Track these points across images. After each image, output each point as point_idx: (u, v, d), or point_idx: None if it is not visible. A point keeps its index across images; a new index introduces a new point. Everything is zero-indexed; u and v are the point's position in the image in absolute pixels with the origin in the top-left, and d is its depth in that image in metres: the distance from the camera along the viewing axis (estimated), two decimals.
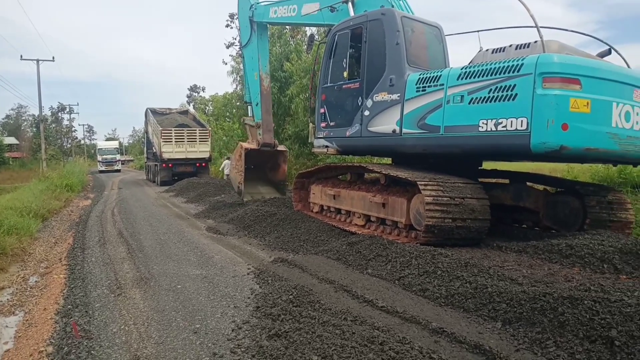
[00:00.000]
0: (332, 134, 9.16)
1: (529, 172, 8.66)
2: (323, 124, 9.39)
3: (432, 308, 4.68)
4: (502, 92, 6.14)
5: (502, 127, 6.10)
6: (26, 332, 4.74)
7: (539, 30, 6.46)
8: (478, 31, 7.72)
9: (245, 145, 12.27)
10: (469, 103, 6.52)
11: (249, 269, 6.59)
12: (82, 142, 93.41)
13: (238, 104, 26.43)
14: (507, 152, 6.59)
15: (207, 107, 46.44)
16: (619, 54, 7.26)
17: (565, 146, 5.72)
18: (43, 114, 40.31)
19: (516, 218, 8.30)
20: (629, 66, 7.02)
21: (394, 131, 7.63)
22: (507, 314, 4.27)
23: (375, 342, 3.73)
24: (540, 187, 8.08)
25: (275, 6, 10.88)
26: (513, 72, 6.04)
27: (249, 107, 12.56)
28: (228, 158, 25.84)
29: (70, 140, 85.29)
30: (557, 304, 4.07)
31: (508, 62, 6.19)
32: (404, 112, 7.44)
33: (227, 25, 38.20)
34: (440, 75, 6.97)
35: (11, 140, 67.86)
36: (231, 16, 37.55)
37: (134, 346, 4.07)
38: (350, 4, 9.01)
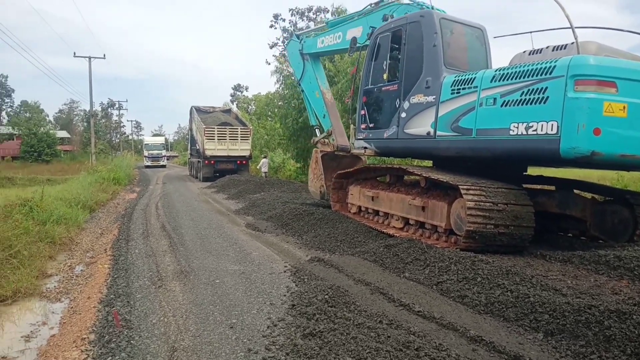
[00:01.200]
0: (370, 135, 9.20)
1: (576, 179, 8.38)
2: (363, 126, 9.44)
3: (470, 315, 4.57)
4: (534, 95, 5.97)
5: (533, 131, 5.94)
6: (70, 319, 4.94)
7: (573, 31, 6.18)
8: (530, 32, 7.39)
9: (321, 148, 12.01)
10: (502, 106, 6.38)
11: (285, 266, 6.63)
12: (130, 137, 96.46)
13: (280, 103, 26.66)
14: (537, 157, 6.36)
15: (250, 106, 47.15)
16: None
17: (597, 152, 5.49)
18: (94, 109, 41.87)
19: (562, 226, 7.95)
20: None
21: (428, 133, 7.60)
22: (549, 325, 4.13)
23: (410, 348, 3.68)
24: (588, 195, 7.77)
25: (322, 36, 11.33)
26: (545, 74, 5.86)
27: (316, 130, 12.59)
28: (265, 157, 26.26)
29: (118, 135, 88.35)
30: (603, 318, 3.91)
31: (541, 64, 6.01)
32: (439, 115, 7.37)
33: (271, 26, 38.68)
34: (475, 78, 6.86)
35: (63, 134, 70.90)
36: (275, 17, 38.02)
37: (172, 338, 4.16)
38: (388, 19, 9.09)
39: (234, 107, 42.41)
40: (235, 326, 4.39)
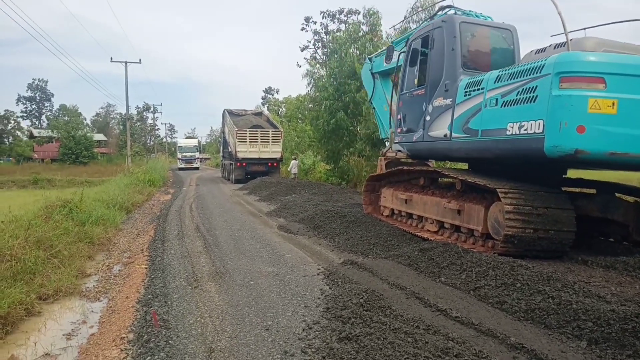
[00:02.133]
0: (404, 139, 9.33)
1: (617, 182, 8.09)
2: (399, 130, 9.58)
3: (510, 322, 4.46)
4: (527, 94, 5.97)
5: (524, 130, 5.94)
6: (109, 318, 5.04)
7: (564, 28, 6.15)
8: (584, 29, 7.26)
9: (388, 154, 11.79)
10: (502, 106, 6.41)
11: (318, 269, 6.62)
12: (164, 140, 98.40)
13: (310, 105, 26.75)
14: (527, 157, 6.30)
15: (281, 109, 47.49)
16: None
17: (581, 150, 5.42)
18: (129, 112, 42.87)
19: (603, 231, 7.68)
20: None
21: (445, 135, 7.71)
22: (593, 333, 3.99)
23: (449, 354, 3.61)
24: (631, 198, 7.45)
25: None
26: (536, 73, 5.84)
27: (386, 142, 12.48)
28: (295, 158, 26.42)
29: (153, 138, 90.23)
30: None
31: (533, 63, 5.99)
32: (454, 117, 7.45)
33: (303, 29, 38.88)
34: (483, 79, 6.93)
35: (100, 136, 72.90)
36: (306, 19, 38.19)
37: (209, 338, 4.20)
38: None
39: (265, 110, 42.77)
40: (270, 328, 4.40)
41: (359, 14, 33.55)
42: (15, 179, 31.21)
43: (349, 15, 35.87)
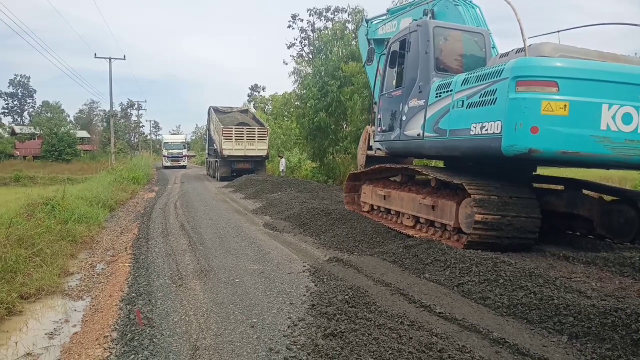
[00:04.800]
0: (383, 137, 9.61)
1: (585, 179, 8.43)
2: (379, 129, 9.84)
3: (493, 317, 4.51)
4: (488, 96, 6.28)
5: (485, 130, 6.27)
6: (93, 317, 4.99)
7: (523, 34, 6.37)
8: (558, 31, 7.49)
9: (371, 128, 11.96)
10: (467, 108, 6.70)
11: (304, 266, 6.63)
12: (149, 137, 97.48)
13: (297, 103, 26.76)
14: (487, 156, 6.59)
15: (267, 106, 47.36)
16: None
17: (534, 149, 5.73)
18: (113, 109, 42.29)
19: (570, 225, 8.05)
20: None
21: (418, 135, 7.99)
22: (574, 327, 4.06)
23: (433, 349, 3.64)
24: (596, 195, 7.82)
25: (382, 23, 11.77)
26: (496, 77, 6.17)
27: (374, 107, 12.73)
28: (282, 156, 26.47)
29: (137, 135, 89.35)
30: (630, 321, 3.83)
31: (495, 67, 6.33)
32: (427, 117, 7.74)
33: (289, 26, 38.79)
34: (451, 82, 7.19)
35: (83, 133, 71.83)
36: (293, 17, 38.10)
37: (194, 336, 4.18)
38: (430, 16, 9.37)
39: (251, 107, 42.64)
40: (256, 325, 4.40)
41: (345, 12, 33.59)
42: None
43: (335, 13, 35.90)
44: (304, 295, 5.27)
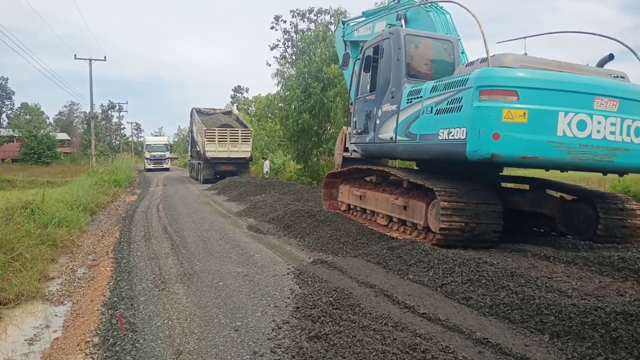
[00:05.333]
0: (358, 140, 9.92)
1: (548, 179, 8.81)
2: (354, 131, 10.12)
3: (475, 317, 4.56)
4: (454, 104, 6.62)
5: (452, 136, 6.60)
6: (74, 322, 4.92)
7: (485, 44, 6.69)
8: (525, 37, 7.82)
9: (347, 129, 12.12)
10: (435, 114, 7.05)
11: (288, 269, 6.62)
12: (130, 139, 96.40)
13: (280, 105, 26.75)
14: (454, 159, 6.89)
15: (250, 108, 47.18)
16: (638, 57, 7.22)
17: (496, 154, 6.08)
18: (94, 111, 41.65)
19: (534, 223, 8.49)
20: None
21: (391, 138, 8.29)
22: (555, 327, 4.12)
23: (417, 350, 3.66)
24: (557, 194, 8.31)
25: (358, 26, 12.02)
26: (462, 85, 6.50)
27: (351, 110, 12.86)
28: (265, 158, 26.45)
29: (118, 138, 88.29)
30: (609, 319, 3.90)
31: (460, 76, 6.69)
32: (399, 121, 8.06)
33: (272, 27, 38.72)
34: (421, 89, 7.51)
35: (63, 136, 70.84)
36: (276, 18, 38.06)
37: (177, 341, 4.15)
38: (403, 21, 9.75)
39: (235, 109, 42.44)
40: (240, 329, 4.37)
41: (328, 13, 33.66)
42: None
43: (318, 15, 35.94)
44: (289, 297, 5.26)
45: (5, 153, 58.63)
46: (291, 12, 37.34)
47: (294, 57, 35.65)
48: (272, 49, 39.45)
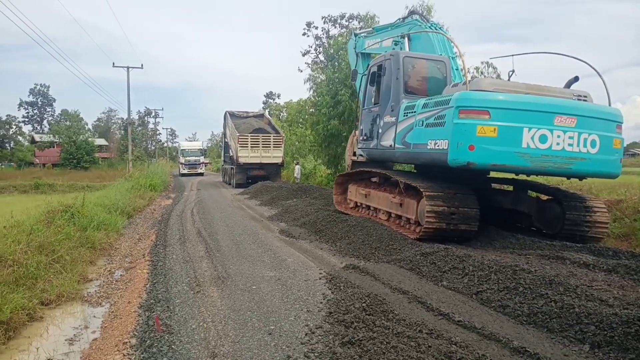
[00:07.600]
0: (364, 145, 11.30)
1: (531, 181, 9.65)
2: (361, 138, 11.49)
3: (512, 326, 4.46)
4: (439, 119, 7.78)
5: (437, 146, 7.78)
6: (111, 323, 5.05)
7: (465, 70, 8.98)
8: (512, 55, 8.92)
9: (356, 135, 12.97)
10: (425, 127, 8.24)
11: (320, 273, 6.62)
12: (165, 144, 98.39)
13: (312, 110, 26.85)
14: (438, 165, 8.01)
15: (282, 113, 47.48)
16: (602, 79, 8.23)
17: (472, 162, 7.24)
18: (131, 117, 42.63)
19: (514, 219, 9.72)
20: (608, 93, 8.11)
21: (390, 146, 9.58)
22: (596, 336, 3.99)
23: (452, 358, 3.61)
24: (534, 194, 9.60)
25: (368, 39, 13.17)
26: (446, 105, 7.65)
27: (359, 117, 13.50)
28: (297, 163, 26.61)
29: (154, 143, 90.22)
30: None
31: (445, 96, 7.87)
32: (397, 132, 9.33)
33: (304, 34, 38.87)
34: (415, 104, 8.71)
35: (101, 141, 72.81)
36: (308, 24, 38.17)
37: (212, 343, 4.20)
38: (406, 39, 11.61)
39: (267, 113, 42.73)
40: (273, 333, 4.40)
41: (358, 18, 33.60)
42: (16, 184, 31.20)
43: (350, 20, 35.90)
44: (321, 302, 5.26)
45: (46, 158, 60.67)
46: (322, 18, 37.39)
47: (325, 63, 35.74)
48: (303, 55, 39.56)
